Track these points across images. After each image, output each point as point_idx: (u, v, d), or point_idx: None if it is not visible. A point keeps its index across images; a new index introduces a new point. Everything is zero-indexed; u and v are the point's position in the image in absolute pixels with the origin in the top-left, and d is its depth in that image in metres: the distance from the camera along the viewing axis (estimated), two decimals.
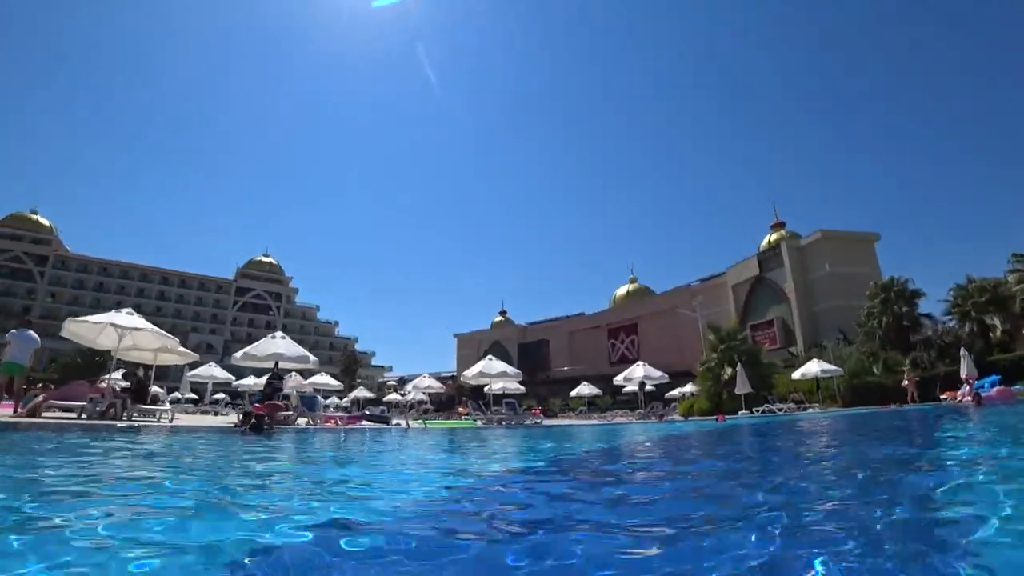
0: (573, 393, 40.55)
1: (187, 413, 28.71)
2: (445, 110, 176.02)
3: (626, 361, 34.72)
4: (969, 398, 20.77)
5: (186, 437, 10.59)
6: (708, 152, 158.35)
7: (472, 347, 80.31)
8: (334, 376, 68.98)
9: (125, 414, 12.35)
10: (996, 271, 33.49)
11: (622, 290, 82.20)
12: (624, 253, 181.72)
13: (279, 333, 17.69)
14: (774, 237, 61.00)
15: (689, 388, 38.54)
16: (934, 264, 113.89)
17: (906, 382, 25.20)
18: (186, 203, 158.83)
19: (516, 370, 23.50)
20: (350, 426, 16.63)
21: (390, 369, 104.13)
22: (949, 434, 7.94)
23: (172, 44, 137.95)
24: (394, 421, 18.62)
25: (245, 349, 17.31)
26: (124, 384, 17.40)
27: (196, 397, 39.19)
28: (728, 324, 40.30)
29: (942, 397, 24.12)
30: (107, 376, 15.28)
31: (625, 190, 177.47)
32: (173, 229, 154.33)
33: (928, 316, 37.11)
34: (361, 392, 46.37)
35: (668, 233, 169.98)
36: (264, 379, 16.98)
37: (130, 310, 14.19)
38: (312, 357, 17.59)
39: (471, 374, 22.48)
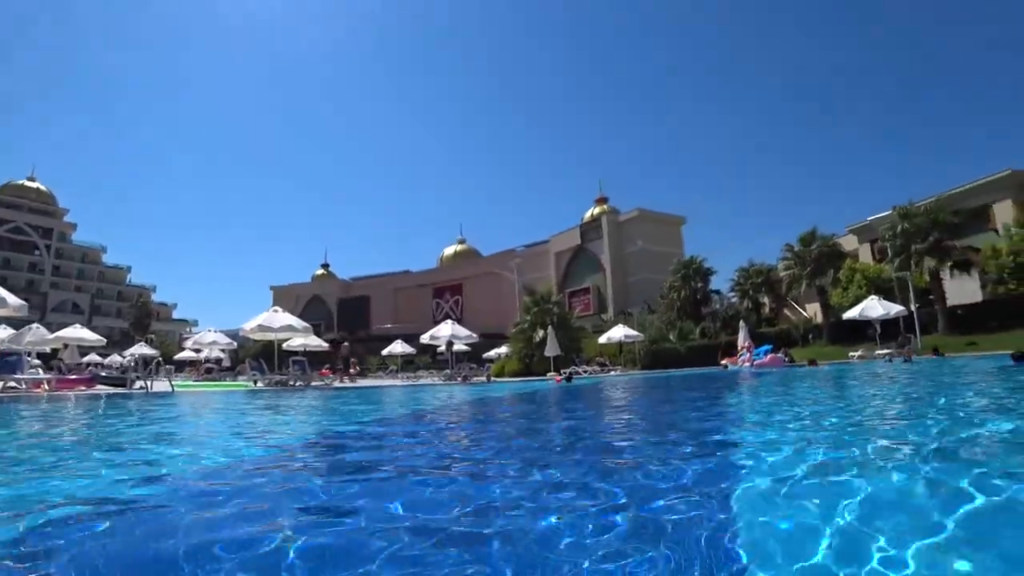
0: (385, 352, 38.33)
1: None
2: (278, 46, 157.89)
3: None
4: (749, 364, 22.98)
5: None
6: (547, 125, 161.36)
7: (290, 301, 73.77)
8: (123, 331, 58.98)
9: None
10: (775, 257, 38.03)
11: (450, 250, 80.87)
12: (455, 213, 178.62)
13: None
14: (597, 211, 63.95)
15: (504, 349, 38.64)
16: (729, 247, 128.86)
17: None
18: None
19: (305, 324, 20.75)
20: (64, 391, 13.07)
21: (195, 324, 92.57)
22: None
23: None
24: (138, 384, 15.16)
25: None
26: None
27: None
28: (545, 289, 41.04)
29: (722, 363, 26.35)
30: None
31: (461, 149, 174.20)
32: None
33: (717, 292, 41.88)
34: (142, 348, 39.57)
35: (501, 198, 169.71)
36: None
37: None
38: (15, 301, 13.47)
39: (249, 327, 19.27)
